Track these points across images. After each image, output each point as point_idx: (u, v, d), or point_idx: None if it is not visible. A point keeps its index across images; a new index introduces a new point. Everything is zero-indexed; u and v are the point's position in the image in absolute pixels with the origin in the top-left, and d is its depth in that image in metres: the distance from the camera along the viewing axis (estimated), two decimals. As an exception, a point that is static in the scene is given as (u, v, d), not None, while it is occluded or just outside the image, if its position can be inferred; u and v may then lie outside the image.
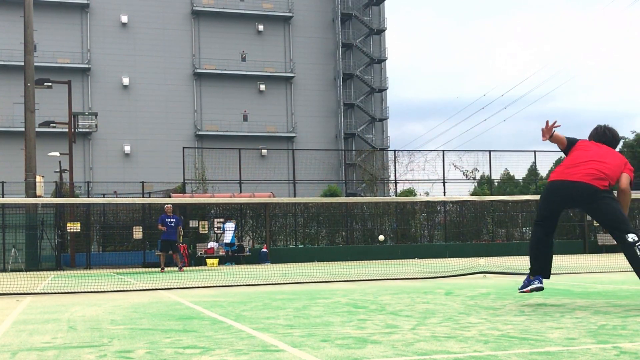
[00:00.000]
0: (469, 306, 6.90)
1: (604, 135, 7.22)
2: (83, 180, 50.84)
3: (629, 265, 6.31)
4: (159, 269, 21.09)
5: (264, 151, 54.96)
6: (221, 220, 29.00)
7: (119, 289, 11.38)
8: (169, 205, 20.98)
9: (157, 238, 28.63)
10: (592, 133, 7.30)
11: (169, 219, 20.38)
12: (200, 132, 64.46)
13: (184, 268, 20.94)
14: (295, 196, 33.70)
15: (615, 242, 6.44)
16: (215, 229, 29.39)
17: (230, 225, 27.39)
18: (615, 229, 6.42)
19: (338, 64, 68.65)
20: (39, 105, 47.86)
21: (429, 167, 33.90)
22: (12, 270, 24.28)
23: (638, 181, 43.86)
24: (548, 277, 6.86)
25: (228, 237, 27.10)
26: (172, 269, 21.88)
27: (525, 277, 6.99)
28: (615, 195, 6.84)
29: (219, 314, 6.73)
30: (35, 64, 32.26)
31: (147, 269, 24.24)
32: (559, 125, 7.01)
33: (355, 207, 32.21)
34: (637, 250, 6.18)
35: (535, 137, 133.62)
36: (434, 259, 22.91)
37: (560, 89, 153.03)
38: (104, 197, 39.01)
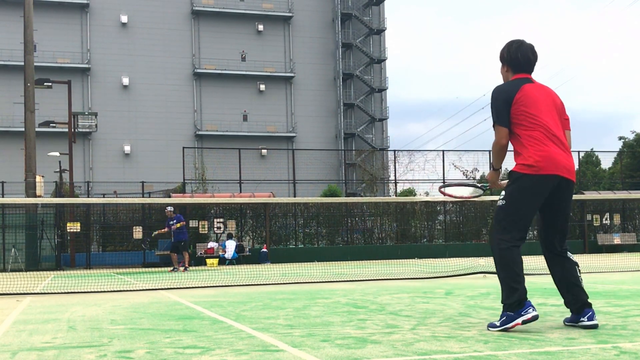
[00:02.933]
0: (469, 306, 6.90)
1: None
2: (83, 180, 50.84)
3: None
4: (162, 268, 21.11)
5: (264, 151, 54.95)
6: (221, 220, 29.01)
7: (119, 289, 11.37)
8: (167, 209, 21.02)
9: (158, 238, 28.78)
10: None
11: (170, 222, 20.44)
12: (200, 132, 64.46)
13: (181, 268, 20.94)
14: (295, 196, 33.70)
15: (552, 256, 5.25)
16: (215, 228, 29.41)
17: (231, 243, 27.51)
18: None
19: (338, 64, 68.64)
20: (39, 105, 47.85)
21: (429, 167, 33.91)
22: (12, 270, 24.28)
23: (638, 181, 43.93)
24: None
25: (229, 254, 27.20)
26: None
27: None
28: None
29: (219, 314, 6.73)
30: (35, 64, 32.26)
31: (147, 269, 24.25)
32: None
33: (355, 207, 32.21)
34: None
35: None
36: (434, 259, 22.91)
37: (560, 89, 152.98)
38: (104, 197, 39.03)
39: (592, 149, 58.44)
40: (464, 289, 9.39)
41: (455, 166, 34.96)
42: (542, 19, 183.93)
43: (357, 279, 12.70)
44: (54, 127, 40.43)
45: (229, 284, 12.19)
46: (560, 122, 5.20)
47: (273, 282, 12.39)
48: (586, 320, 4.96)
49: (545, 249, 5.28)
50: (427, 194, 34.33)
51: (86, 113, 35.88)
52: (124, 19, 63.38)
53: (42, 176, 27.63)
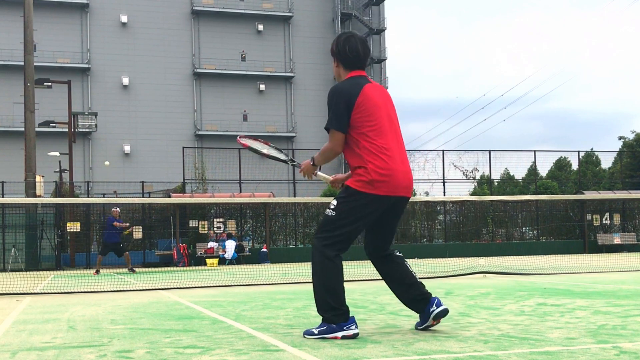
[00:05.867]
0: (469, 306, 6.90)
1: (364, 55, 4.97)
2: (83, 180, 50.82)
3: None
4: (135, 268, 20.58)
5: (264, 151, 54.84)
6: (221, 220, 29.01)
7: (119, 289, 11.38)
8: (116, 209, 20.76)
9: (157, 238, 28.76)
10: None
11: (115, 221, 20.02)
12: (200, 132, 64.46)
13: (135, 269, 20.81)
14: (295, 196, 33.70)
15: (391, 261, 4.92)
16: (215, 228, 29.43)
17: (230, 243, 27.54)
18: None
19: (338, 64, 68.58)
20: (39, 105, 47.82)
21: (428, 167, 33.93)
22: (12, 270, 24.27)
23: (638, 181, 43.89)
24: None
25: (229, 254, 27.22)
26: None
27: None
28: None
29: (219, 314, 6.73)
30: (35, 64, 32.27)
31: (147, 269, 24.24)
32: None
33: (355, 207, 32.18)
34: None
35: (535, 137, 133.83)
36: (434, 259, 22.91)
37: (560, 89, 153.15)
38: (104, 197, 39.02)
39: (592, 149, 58.45)
40: (464, 289, 9.39)
41: (455, 166, 34.96)
42: (543, 18, 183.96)
43: (357, 279, 12.70)
44: (54, 127, 40.46)
45: (229, 284, 12.19)
46: (397, 125, 4.90)
47: (273, 282, 12.39)
48: (435, 306, 4.75)
49: (369, 254, 4.97)
50: (427, 194, 34.35)
51: (86, 113, 35.88)
52: (124, 19, 63.37)
53: (42, 176, 27.63)
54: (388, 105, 4.89)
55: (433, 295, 4.88)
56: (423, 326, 4.91)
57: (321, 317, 4.73)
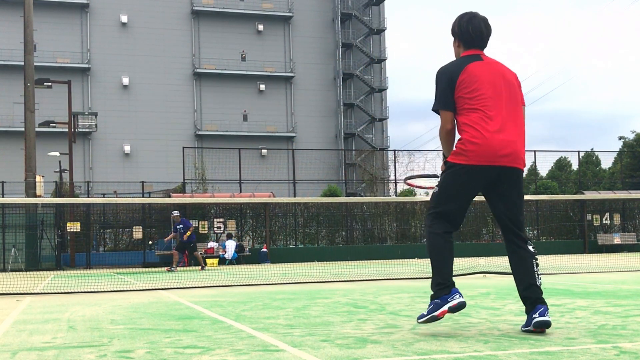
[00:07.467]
0: (469, 306, 6.89)
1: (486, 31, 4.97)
2: (83, 180, 50.81)
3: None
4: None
5: (264, 151, 54.95)
6: (221, 220, 29.02)
7: (119, 289, 11.38)
8: (174, 214, 22.09)
9: (158, 238, 28.87)
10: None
11: (178, 226, 21.31)
12: (200, 132, 64.47)
13: (178, 268, 21.23)
14: (295, 196, 33.71)
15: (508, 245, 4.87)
16: (215, 228, 29.44)
17: (230, 243, 27.56)
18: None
19: (338, 64, 68.63)
20: (39, 105, 47.88)
21: (429, 167, 33.96)
22: (12, 270, 24.27)
23: (638, 181, 43.88)
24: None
25: (229, 254, 27.26)
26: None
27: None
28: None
29: (219, 314, 6.73)
30: (35, 64, 32.26)
31: (147, 269, 24.24)
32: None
33: (355, 207, 32.21)
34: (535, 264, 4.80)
35: (535, 137, 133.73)
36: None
37: (560, 89, 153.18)
38: (104, 197, 39.01)
39: (592, 149, 58.48)
40: (464, 289, 9.37)
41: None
42: (543, 18, 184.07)
43: (357, 279, 12.70)
44: (54, 127, 40.44)
45: (229, 284, 12.19)
46: (512, 100, 4.81)
47: (273, 282, 12.39)
48: (538, 315, 4.62)
49: (504, 236, 4.92)
50: (427, 194, 34.33)
51: (86, 113, 35.90)
52: (124, 19, 63.37)
53: (42, 176, 27.62)
54: (497, 79, 4.82)
55: (543, 303, 4.71)
56: (525, 329, 4.77)
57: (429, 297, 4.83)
